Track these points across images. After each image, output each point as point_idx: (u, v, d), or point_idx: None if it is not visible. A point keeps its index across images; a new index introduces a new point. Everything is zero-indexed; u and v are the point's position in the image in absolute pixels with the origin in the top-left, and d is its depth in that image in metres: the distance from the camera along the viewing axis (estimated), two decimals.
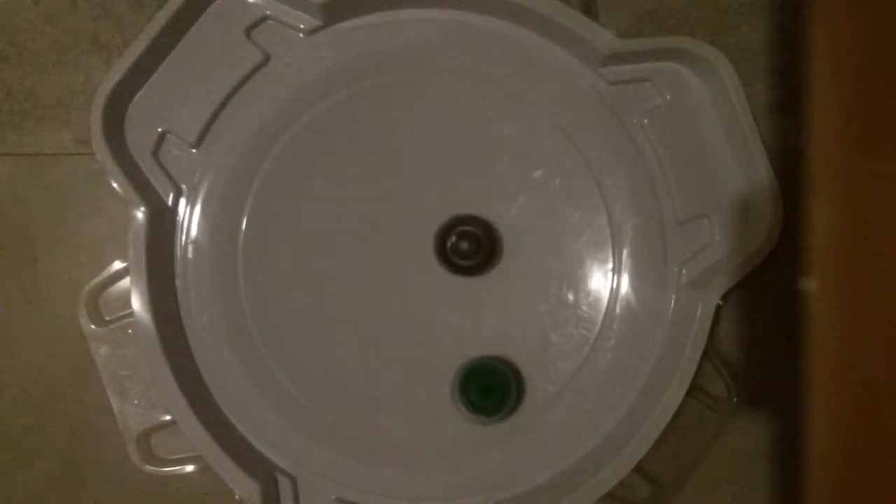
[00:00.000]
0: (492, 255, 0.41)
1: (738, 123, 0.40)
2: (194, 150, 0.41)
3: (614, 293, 0.41)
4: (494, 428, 0.41)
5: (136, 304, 0.39)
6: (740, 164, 0.40)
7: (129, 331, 0.42)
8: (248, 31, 0.40)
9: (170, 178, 0.41)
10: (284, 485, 0.40)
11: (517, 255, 0.41)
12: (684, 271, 0.40)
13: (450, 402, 0.41)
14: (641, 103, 0.41)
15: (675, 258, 0.41)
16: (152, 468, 0.42)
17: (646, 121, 0.41)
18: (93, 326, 0.42)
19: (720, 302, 0.40)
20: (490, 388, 0.39)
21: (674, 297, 0.41)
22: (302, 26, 0.41)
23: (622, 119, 0.41)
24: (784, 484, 0.43)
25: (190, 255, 0.41)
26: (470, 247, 0.39)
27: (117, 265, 0.42)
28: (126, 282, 0.41)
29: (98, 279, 0.42)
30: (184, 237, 0.41)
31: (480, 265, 0.40)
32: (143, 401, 0.42)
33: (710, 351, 0.42)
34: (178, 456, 0.42)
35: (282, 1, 0.40)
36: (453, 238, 0.40)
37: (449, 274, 0.41)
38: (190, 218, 0.41)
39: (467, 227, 0.40)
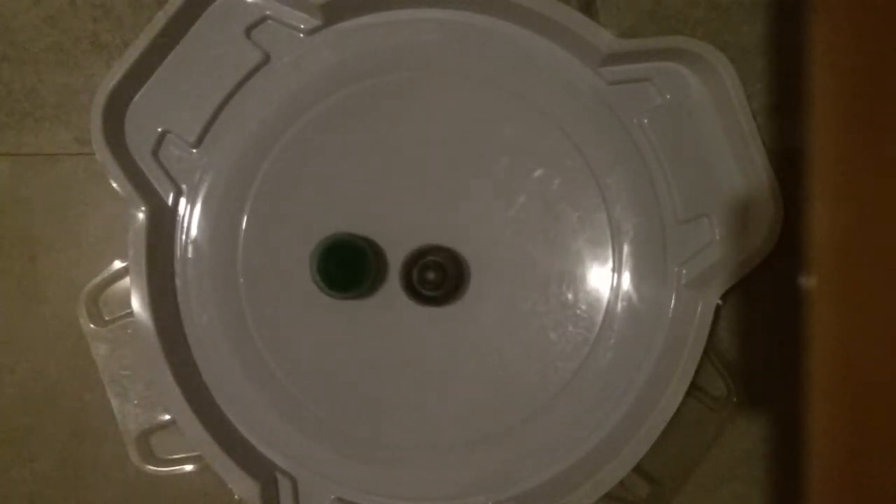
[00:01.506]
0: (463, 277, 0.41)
1: (738, 123, 0.40)
2: (194, 150, 0.41)
3: (614, 293, 0.41)
4: (494, 428, 0.41)
5: (136, 304, 0.39)
6: (740, 164, 0.40)
7: (129, 331, 0.42)
8: (248, 31, 0.40)
9: (170, 178, 0.41)
10: (284, 485, 0.40)
11: (517, 254, 0.41)
12: (684, 271, 0.40)
13: (449, 402, 0.41)
14: (641, 103, 0.41)
15: (675, 258, 0.41)
16: (152, 468, 0.42)
17: (646, 121, 0.41)
18: (92, 326, 0.42)
19: (720, 302, 0.40)
20: (347, 262, 0.39)
21: (674, 296, 0.41)
22: (302, 26, 0.41)
23: (622, 119, 0.41)
24: (784, 484, 0.43)
25: (190, 255, 0.41)
26: (436, 276, 0.40)
27: (117, 265, 0.42)
28: (126, 282, 0.41)
29: (98, 279, 0.42)
30: (184, 237, 0.41)
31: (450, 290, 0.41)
32: (143, 401, 0.42)
33: (710, 351, 0.42)
34: (178, 456, 0.42)
35: (282, 1, 0.40)
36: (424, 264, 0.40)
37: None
38: (190, 218, 0.41)
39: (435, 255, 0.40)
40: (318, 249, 0.39)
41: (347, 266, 0.39)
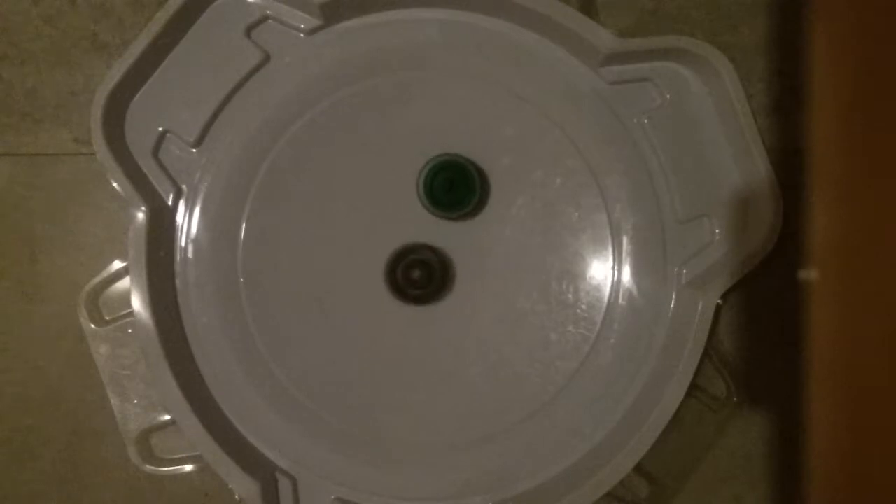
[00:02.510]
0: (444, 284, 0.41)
1: (738, 123, 0.40)
2: (194, 150, 0.41)
3: (614, 293, 0.41)
4: (494, 428, 0.41)
5: (136, 303, 0.39)
6: (740, 164, 0.40)
7: (129, 331, 0.42)
8: (248, 31, 0.40)
9: (170, 178, 0.41)
10: (284, 485, 0.40)
11: (517, 254, 0.41)
12: (684, 271, 0.40)
13: (450, 402, 0.41)
14: (641, 103, 0.41)
15: (675, 258, 0.41)
16: (152, 468, 0.42)
17: (646, 121, 0.41)
18: (93, 326, 0.42)
19: (720, 301, 0.40)
20: (453, 183, 0.40)
21: (674, 296, 0.41)
22: (302, 26, 0.41)
23: (622, 119, 0.41)
24: (784, 484, 0.43)
25: (190, 255, 0.41)
26: (421, 274, 0.40)
27: (117, 265, 0.42)
28: (126, 282, 0.41)
29: (98, 279, 0.42)
30: (184, 237, 0.41)
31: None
32: (143, 401, 0.42)
33: (710, 351, 0.42)
34: (178, 456, 0.42)
35: (282, 1, 0.40)
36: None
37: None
38: (190, 218, 0.41)
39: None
40: (425, 169, 0.40)
41: (453, 187, 0.40)
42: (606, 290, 0.41)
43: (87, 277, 0.42)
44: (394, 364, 0.41)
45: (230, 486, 0.39)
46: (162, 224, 0.40)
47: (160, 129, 0.40)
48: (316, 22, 0.41)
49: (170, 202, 0.41)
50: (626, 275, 0.41)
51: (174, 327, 0.40)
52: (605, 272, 0.41)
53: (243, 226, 0.41)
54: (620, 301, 0.41)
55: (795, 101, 0.42)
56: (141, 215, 0.39)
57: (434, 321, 0.41)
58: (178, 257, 0.41)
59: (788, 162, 0.41)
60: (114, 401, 0.42)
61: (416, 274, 0.39)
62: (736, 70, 0.39)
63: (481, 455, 0.41)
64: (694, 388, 0.40)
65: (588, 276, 0.41)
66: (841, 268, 0.24)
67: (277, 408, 0.41)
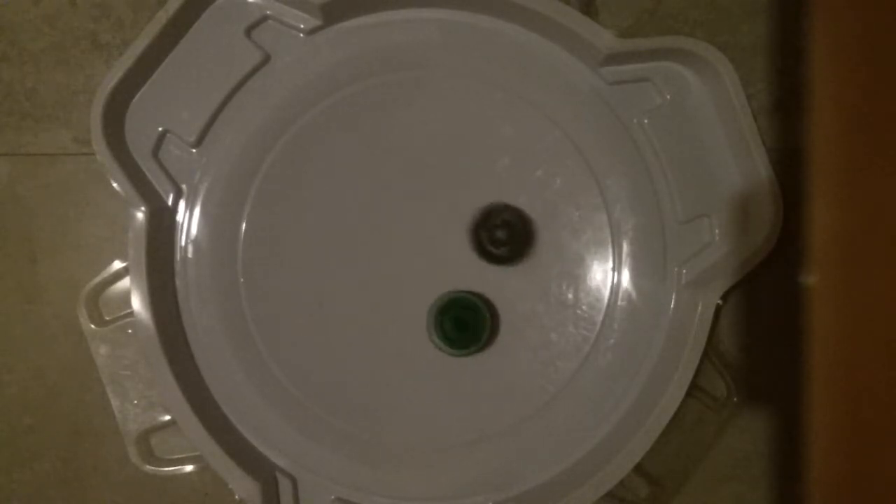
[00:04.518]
0: (527, 245, 0.41)
1: (738, 123, 0.40)
2: (194, 150, 0.41)
3: (614, 293, 0.41)
4: (494, 428, 0.41)
5: (136, 304, 0.39)
6: (740, 164, 0.40)
7: (129, 331, 0.42)
8: (248, 31, 0.40)
9: (170, 178, 0.41)
10: (284, 485, 0.40)
11: (518, 253, 0.41)
12: (684, 271, 0.40)
13: (450, 402, 0.41)
14: (641, 103, 0.41)
15: (675, 258, 0.41)
16: (152, 468, 0.42)
17: (646, 121, 0.41)
18: (93, 326, 0.42)
19: (720, 302, 0.40)
20: (464, 322, 0.40)
21: (674, 296, 0.41)
22: (302, 26, 0.41)
23: (622, 119, 0.41)
24: (784, 484, 0.43)
25: (190, 255, 0.41)
26: (504, 236, 0.40)
27: (117, 265, 0.42)
28: (126, 282, 0.41)
29: (98, 279, 0.42)
30: (184, 237, 0.41)
31: (514, 255, 0.41)
32: (143, 401, 0.42)
33: (710, 351, 0.42)
34: (178, 456, 0.42)
35: (282, 1, 0.40)
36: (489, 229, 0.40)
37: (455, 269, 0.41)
38: (190, 218, 0.41)
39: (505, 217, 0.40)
40: (434, 309, 0.40)
41: (464, 325, 0.40)
42: (606, 291, 0.41)
43: (87, 277, 0.42)
44: (394, 364, 0.41)
45: (230, 486, 0.39)
46: (162, 224, 0.40)
47: (160, 129, 0.40)
48: (316, 22, 0.41)
49: (170, 202, 0.41)
50: (626, 275, 0.41)
51: (174, 327, 0.40)
52: (605, 272, 0.41)
53: (243, 226, 0.41)
54: (620, 301, 0.41)
55: (795, 101, 0.42)
56: (141, 215, 0.39)
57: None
58: (178, 257, 0.41)
59: (788, 162, 0.41)
60: (114, 401, 0.42)
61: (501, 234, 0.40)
62: (736, 70, 0.39)
63: (481, 455, 0.41)
64: (694, 388, 0.40)
65: (588, 276, 0.41)
66: (841, 268, 0.24)
67: (277, 408, 0.41)
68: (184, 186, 0.41)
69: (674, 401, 0.39)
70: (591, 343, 0.41)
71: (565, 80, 0.41)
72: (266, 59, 0.41)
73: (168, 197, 0.41)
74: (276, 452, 0.41)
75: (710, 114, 0.41)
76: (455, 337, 0.40)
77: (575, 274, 0.41)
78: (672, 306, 0.41)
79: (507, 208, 0.40)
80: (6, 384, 0.44)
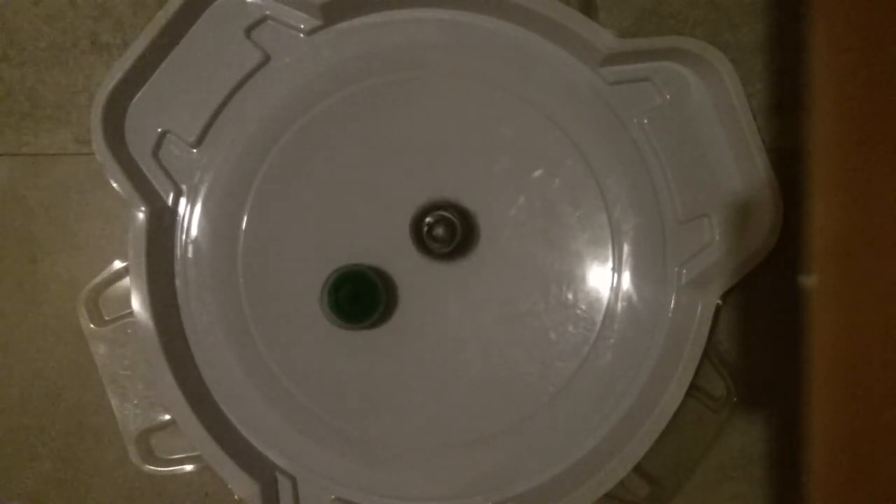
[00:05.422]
0: (469, 241, 0.41)
1: (738, 123, 0.40)
2: (194, 150, 0.41)
3: (614, 293, 0.41)
4: (494, 428, 0.41)
5: (136, 304, 0.39)
6: (740, 164, 0.40)
7: (129, 331, 0.42)
8: (248, 31, 0.40)
9: (170, 178, 0.41)
10: (284, 485, 0.40)
11: (517, 254, 0.41)
12: (684, 271, 0.40)
13: (449, 402, 0.41)
14: (641, 103, 0.41)
15: (675, 258, 0.41)
16: (152, 468, 0.42)
17: (646, 121, 0.41)
18: (92, 326, 0.42)
19: (720, 302, 0.40)
20: (358, 295, 0.40)
21: (674, 296, 0.41)
22: (302, 26, 0.41)
23: (622, 119, 0.41)
24: (784, 484, 0.43)
25: (190, 255, 0.41)
26: (445, 233, 0.40)
27: (117, 265, 0.42)
28: (126, 282, 0.41)
29: (98, 279, 0.42)
30: (184, 237, 0.41)
31: (457, 251, 0.41)
32: (142, 401, 0.42)
33: (710, 351, 0.42)
34: (178, 456, 0.42)
35: (282, 1, 0.40)
36: (429, 222, 0.40)
37: (444, 267, 0.41)
38: (190, 218, 0.41)
39: (443, 213, 0.40)
40: (329, 282, 0.39)
41: (358, 299, 0.40)
42: (606, 291, 0.41)
43: (87, 277, 0.42)
44: (394, 364, 0.41)
45: (230, 486, 0.39)
46: (162, 224, 0.40)
47: (160, 129, 0.40)
48: (316, 22, 0.41)
49: (170, 202, 0.41)
50: (626, 275, 0.41)
51: (174, 327, 0.40)
52: (604, 272, 0.41)
53: (243, 226, 0.41)
54: (620, 301, 0.41)
55: (795, 101, 0.42)
56: (141, 215, 0.39)
57: (434, 322, 0.41)
58: (177, 257, 0.41)
59: (788, 162, 0.41)
60: (114, 401, 0.42)
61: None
62: (736, 70, 0.39)
63: (481, 455, 0.41)
64: (694, 388, 0.40)
65: (588, 276, 0.41)
66: (841, 268, 0.24)
67: (277, 408, 0.41)
68: (184, 186, 0.41)
69: (673, 401, 0.39)
70: (591, 343, 0.41)
71: (565, 80, 0.41)
72: (266, 60, 0.41)
73: (168, 197, 0.41)
74: (275, 452, 0.41)
75: (710, 114, 0.41)
76: (349, 309, 0.39)
77: (575, 274, 0.41)
78: (672, 306, 0.41)
79: (448, 205, 0.40)
80: (6, 384, 0.44)
